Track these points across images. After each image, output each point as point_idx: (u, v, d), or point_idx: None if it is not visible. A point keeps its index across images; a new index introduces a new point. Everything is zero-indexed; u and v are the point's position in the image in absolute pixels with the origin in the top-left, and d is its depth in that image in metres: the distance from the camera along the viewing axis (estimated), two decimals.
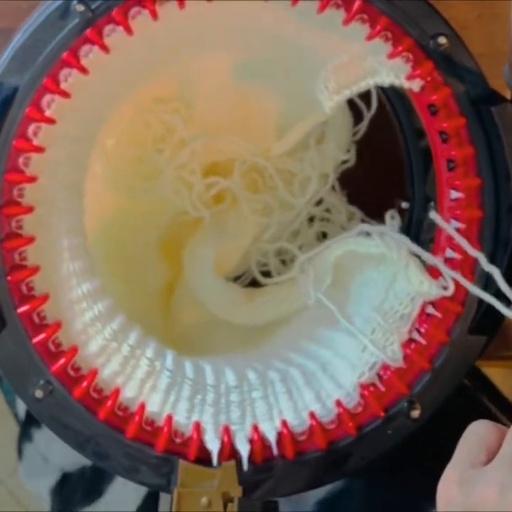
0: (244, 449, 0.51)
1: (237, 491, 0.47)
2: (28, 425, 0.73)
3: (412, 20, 0.51)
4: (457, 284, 0.53)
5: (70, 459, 0.69)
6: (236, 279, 0.68)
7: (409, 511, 0.58)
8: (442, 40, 0.51)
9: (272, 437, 0.52)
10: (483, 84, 0.52)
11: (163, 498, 0.52)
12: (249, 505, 0.51)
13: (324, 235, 0.67)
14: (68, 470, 0.68)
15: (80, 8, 0.48)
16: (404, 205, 0.63)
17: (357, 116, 0.65)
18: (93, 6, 0.48)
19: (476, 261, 0.53)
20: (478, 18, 0.64)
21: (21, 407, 0.75)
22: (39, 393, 0.50)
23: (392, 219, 0.61)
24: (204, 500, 0.47)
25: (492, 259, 0.53)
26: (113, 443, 0.52)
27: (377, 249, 0.56)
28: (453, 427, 0.50)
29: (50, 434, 0.66)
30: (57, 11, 0.49)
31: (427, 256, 0.54)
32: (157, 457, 0.52)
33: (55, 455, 0.70)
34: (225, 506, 0.47)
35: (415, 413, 0.53)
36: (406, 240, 0.56)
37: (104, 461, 0.52)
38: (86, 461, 0.67)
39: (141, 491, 0.65)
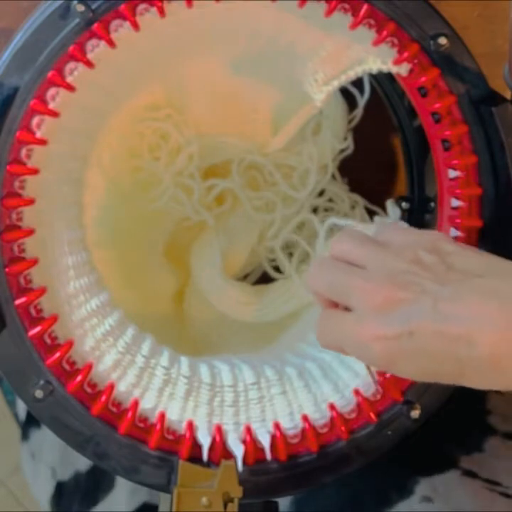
0: (266, 445, 0.52)
1: (237, 491, 0.47)
2: (27, 425, 0.73)
3: (412, 21, 0.51)
4: None
5: (59, 459, 0.69)
6: (245, 276, 0.69)
7: (380, 504, 0.59)
8: (443, 40, 0.51)
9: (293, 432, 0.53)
10: (484, 84, 0.52)
11: (163, 498, 0.52)
12: (250, 505, 0.51)
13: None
14: (61, 478, 0.68)
15: (81, 8, 0.48)
16: (405, 205, 0.63)
17: (351, 103, 0.65)
18: (93, 6, 0.48)
19: None
20: (478, 18, 0.64)
21: (21, 408, 0.75)
22: (39, 393, 0.51)
23: (393, 207, 0.61)
24: (204, 500, 0.47)
25: (493, 240, 0.53)
26: (112, 443, 0.52)
27: None
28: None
29: (43, 434, 0.66)
30: (58, 11, 0.49)
31: None
32: (157, 457, 0.52)
33: (46, 455, 0.70)
34: (225, 506, 0.47)
35: (415, 413, 0.53)
36: (403, 225, 0.56)
37: (104, 461, 0.52)
38: (79, 466, 0.67)
39: (135, 501, 0.65)
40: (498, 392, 0.64)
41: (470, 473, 0.59)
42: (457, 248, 0.44)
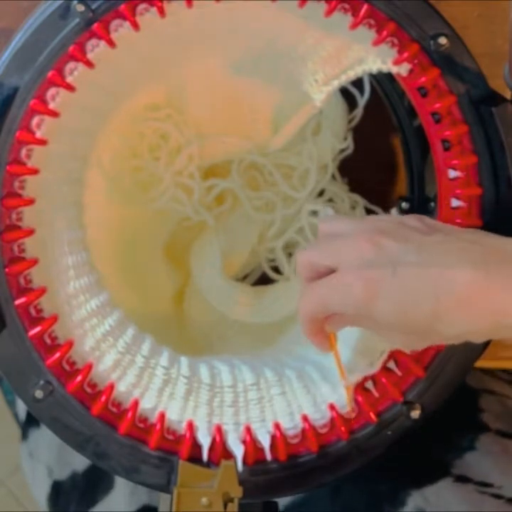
0: (266, 445, 0.52)
1: (237, 491, 0.47)
2: (27, 425, 0.73)
3: (412, 21, 0.51)
4: None
5: (55, 458, 0.69)
6: (244, 277, 0.69)
7: None
8: (443, 40, 0.51)
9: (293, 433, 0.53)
10: (484, 84, 0.52)
11: (163, 498, 0.52)
12: (250, 505, 0.51)
13: None
14: (58, 478, 0.68)
15: (81, 8, 0.48)
16: (405, 205, 0.63)
17: (351, 103, 0.65)
18: (93, 6, 0.48)
19: None
20: (478, 18, 0.64)
21: (21, 408, 0.75)
22: (39, 393, 0.51)
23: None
24: (204, 500, 0.46)
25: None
26: (112, 443, 0.52)
27: None
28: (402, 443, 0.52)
29: (41, 433, 0.66)
30: (58, 11, 0.49)
31: None
32: (157, 457, 0.52)
33: (43, 455, 0.70)
34: (225, 506, 0.47)
35: (415, 413, 0.53)
36: None
37: (104, 461, 0.52)
38: (75, 466, 0.67)
39: (134, 503, 0.65)
40: (489, 392, 0.64)
41: (462, 479, 0.59)
42: (439, 222, 0.48)
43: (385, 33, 0.51)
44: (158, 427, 0.52)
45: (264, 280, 0.68)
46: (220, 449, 0.52)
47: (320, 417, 0.53)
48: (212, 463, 0.52)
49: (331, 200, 0.68)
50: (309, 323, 0.48)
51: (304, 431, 0.53)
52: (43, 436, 0.70)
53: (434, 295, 0.42)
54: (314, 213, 0.67)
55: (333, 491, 0.59)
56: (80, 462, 0.67)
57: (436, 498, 0.58)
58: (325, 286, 0.45)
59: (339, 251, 0.45)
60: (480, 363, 0.54)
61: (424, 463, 0.60)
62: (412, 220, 0.47)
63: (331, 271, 0.46)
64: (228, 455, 0.52)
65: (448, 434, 0.61)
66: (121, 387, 0.52)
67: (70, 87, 0.49)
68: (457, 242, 0.44)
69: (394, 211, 0.63)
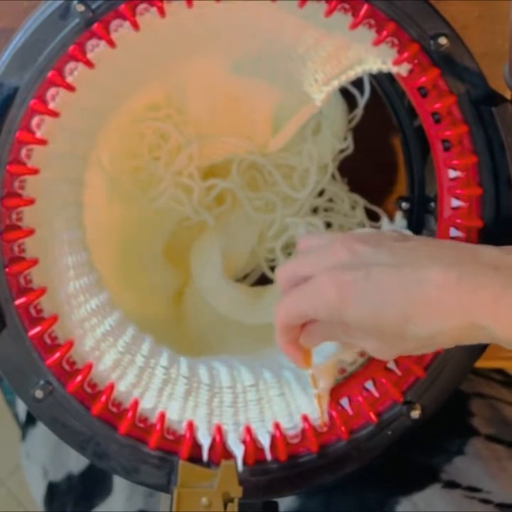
0: (266, 445, 0.52)
1: (237, 491, 0.47)
2: (26, 425, 0.73)
3: (412, 21, 0.51)
4: None
5: (50, 459, 0.68)
6: (244, 277, 0.69)
7: None
8: (443, 40, 0.51)
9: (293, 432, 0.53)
10: (484, 84, 0.52)
11: (163, 498, 0.51)
12: (250, 505, 0.51)
13: (329, 225, 0.68)
14: (53, 479, 0.68)
15: (81, 8, 0.48)
16: (405, 205, 0.63)
17: (351, 103, 0.65)
18: (93, 6, 0.48)
19: None
20: (479, 17, 0.64)
21: (21, 408, 0.75)
22: (39, 393, 0.50)
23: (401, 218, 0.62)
24: (204, 500, 0.46)
25: (493, 240, 0.53)
26: (112, 443, 0.52)
27: None
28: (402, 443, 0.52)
29: (37, 433, 0.66)
30: (58, 11, 0.49)
31: None
32: (157, 457, 0.52)
33: (38, 455, 0.70)
34: (225, 506, 0.47)
35: (415, 414, 0.53)
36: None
37: (104, 461, 0.52)
38: (71, 468, 0.67)
39: (131, 507, 0.65)
40: (479, 395, 0.64)
41: (451, 484, 0.59)
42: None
43: (385, 33, 0.51)
44: (158, 427, 0.52)
45: (263, 280, 0.68)
46: (220, 449, 0.52)
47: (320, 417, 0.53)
48: (212, 463, 0.52)
49: (331, 200, 0.68)
50: (284, 331, 0.48)
51: (303, 431, 0.53)
52: (39, 435, 0.70)
53: (406, 295, 0.42)
54: (314, 211, 0.67)
55: (324, 500, 0.59)
56: (75, 464, 0.67)
57: (425, 504, 0.58)
58: (299, 291, 0.46)
59: (316, 260, 0.46)
60: (480, 363, 0.54)
61: (413, 469, 0.60)
62: (389, 231, 0.48)
63: (308, 277, 0.46)
64: (228, 455, 0.52)
65: (437, 438, 0.61)
66: (121, 387, 0.52)
67: (70, 87, 0.49)
68: (431, 245, 0.45)
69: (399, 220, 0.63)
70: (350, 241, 0.45)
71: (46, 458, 0.69)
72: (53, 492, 0.68)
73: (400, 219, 0.62)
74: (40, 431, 0.69)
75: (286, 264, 0.49)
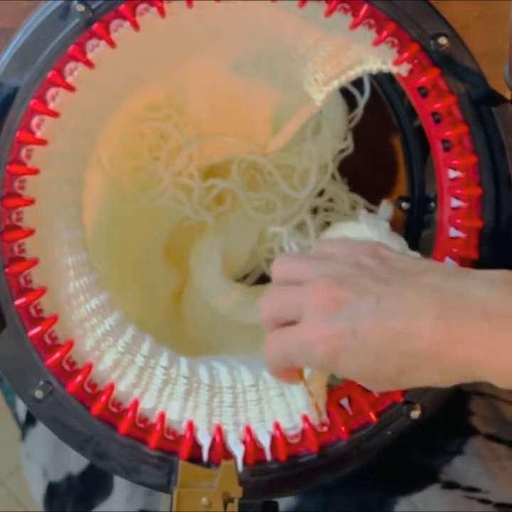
0: (266, 445, 0.52)
1: (237, 491, 0.47)
2: (26, 425, 0.73)
3: (412, 21, 0.51)
4: None
5: (50, 459, 0.68)
6: (244, 277, 0.69)
7: None
8: (443, 40, 0.51)
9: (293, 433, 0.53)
10: (484, 84, 0.52)
11: (163, 498, 0.51)
12: (250, 505, 0.51)
13: (329, 225, 0.67)
14: (53, 479, 0.68)
15: (81, 8, 0.48)
16: (405, 205, 0.63)
17: (351, 103, 0.65)
18: (93, 6, 0.48)
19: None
20: (479, 18, 0.64)
21: (21, 408, 0.75)
22: (39, 393, 0.51)
23: (386, 207, 0.61)
24: (204, 500, 0.46)
25: (493, 240, 0.53)
26: (112, 443, 0.52)
27: (360, 234, 0.56)
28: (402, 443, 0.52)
29: (36, 432, 0.66)
30: (58, 11, 0.49)
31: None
32: (157, 457, 0.52)
33: (38, 455, 0.70)
34: (225, 506, 0.47)
35: (415, 413, 0.53)
36: (385, 224, 0.56)
37: (104, 462, 0.52)
38: (71, 468, 0.67)
39: (131, 507, 0.65)
40: (479, 394, 0.64)
41: (450, 485, 0.59)
42: (395, 253, 0.47)
43: (385, 33, 0.51)
44: (158, 427, 0.52)
45: (263, 280, 0.68)
46: (220, 449, 0.52)
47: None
48: (212, 463, 0.52)
49: (331, 200, 0.68)
50: (274, 368, 0.48)
51: (303, 431, 0.53)
52: (39, 435, 0.69)
53: (398, 351, 0.42)
54: (314, 211, 0.67)
55: (323, 500, 0.59)
56: (75, 464, 0.67)
57: (424, 505, 0.58)
58: (288, 341, 0.45)
59: (299, 303, 0.45)
60: None
61: (412, 469, 0.60)
62: (368, 258, 0.46)
63: (293, 321, 0.45)
64: (228, 455, 0.52)
65: (437, 438, 0.61)
66: (121, 387, 0.52)
67: (70, 87, 0.49)
68: (416, 290, 0.43)
69: (384, 210, 0.62)
70: (333, 286, 0.43)
71: (46, 458, 0.69)
72: (53, 492, 0.68)
73: (383, 210, 0.62)
74: (40, 431, 0.69)
75: (268, 300, 0.47)
